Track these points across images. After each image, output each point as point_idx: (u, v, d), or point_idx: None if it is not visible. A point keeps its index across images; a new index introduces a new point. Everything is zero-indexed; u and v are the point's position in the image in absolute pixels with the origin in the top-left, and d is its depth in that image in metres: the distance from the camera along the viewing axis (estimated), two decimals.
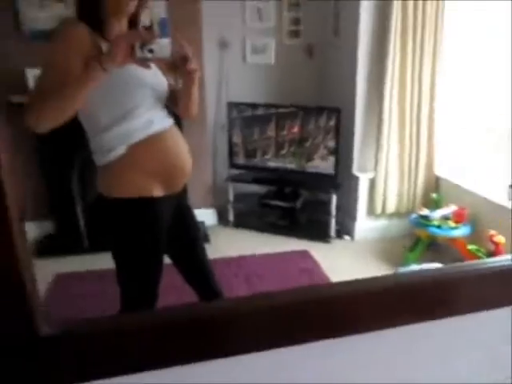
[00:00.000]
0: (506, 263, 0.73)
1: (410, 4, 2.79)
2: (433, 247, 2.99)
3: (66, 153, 2.91)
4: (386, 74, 2.90)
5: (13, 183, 0.48)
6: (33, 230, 3.27)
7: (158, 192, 1.44)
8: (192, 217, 1.72)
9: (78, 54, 1.22)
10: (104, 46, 1.29)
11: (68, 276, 2.79)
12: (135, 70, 1.34)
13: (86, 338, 0.57)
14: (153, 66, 1.47)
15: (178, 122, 2.94)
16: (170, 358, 0.58)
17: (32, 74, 2.84)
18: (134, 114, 1.36)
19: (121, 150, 1.37)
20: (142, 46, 1.22)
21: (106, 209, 1.46)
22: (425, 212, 2.84)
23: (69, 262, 2.95)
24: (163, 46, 1.25)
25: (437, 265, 1.93)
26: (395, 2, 2.77)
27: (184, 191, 1.63)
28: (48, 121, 1.18)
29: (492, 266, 0.74)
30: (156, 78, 1.46)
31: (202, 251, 1.76)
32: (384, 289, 0.68)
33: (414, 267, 1.93)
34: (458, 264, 0.85)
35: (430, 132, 3.06)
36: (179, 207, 1.61)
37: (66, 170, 2.99)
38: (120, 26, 1.36)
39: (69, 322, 0.58)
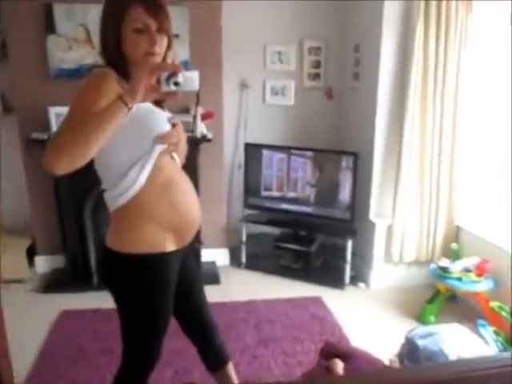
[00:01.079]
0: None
1: (432, 48, 2.76)
2: (453, 300, 2.85)
3: (80, 190, 2.93)
4: (406, 118, 2.85)
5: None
6: (44, 264, 3.29)
7: (169, 247, 1.39)
8: (195, 265, 1.67)
9: (105, 97, 1.21)
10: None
11: (73, 313, 2.76)
12: (152, 115, 1.34)
13: None
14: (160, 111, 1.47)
15: (195, 162, 3.02)
16: None
17: (54, 112, 2.92)
18: (146, 159, 1.33)
19: (139, 185, 1.32)
20: (168, 79, 1.20)
21: (112, 262, 1.40)
22: (444, 263, 2.71)
23: (76, 298, 2.92)
24: (191, 77, 1.22)
25: (456, 326, 1.81)
26: (416, 46, 2.74)
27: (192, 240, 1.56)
28: (68, 162, 1.15)
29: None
30: (166, 125, 1.42)
31: (204, 301, 1.70)
32: None
33: (429, 329, 1.81)
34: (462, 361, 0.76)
35: (451, 179, 2.96)
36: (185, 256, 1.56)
37: (79, 206, 3.01)
38: None
39: None
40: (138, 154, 1.32)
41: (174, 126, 1.39)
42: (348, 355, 1.73)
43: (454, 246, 2.87)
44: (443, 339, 1.66)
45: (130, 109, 1.18)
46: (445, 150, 2.90)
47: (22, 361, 2.31)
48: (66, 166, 1.15)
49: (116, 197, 1.34)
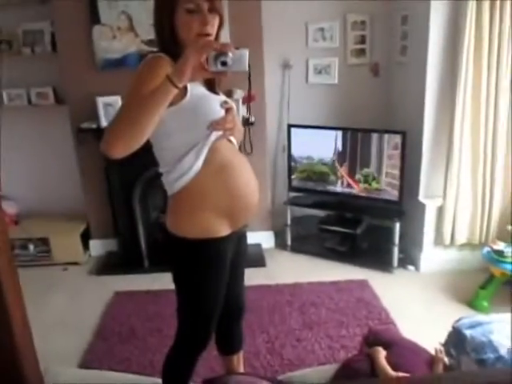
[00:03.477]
0: None
1: (486, 16, 2.55)
2: (509, 285, 2.69)
3: (129, 176, 3.03)
4: (458, 93, 2.68)
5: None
6: (97, 248, 3.46)
7: (225, 231, 1.41)
8: (246, 247, 1.68)
9: (159, 81, 1.20)
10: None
11: (126, 294, 2.89)
12: (205, 100, 1.34)
13: None
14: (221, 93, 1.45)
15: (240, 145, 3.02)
16: None
17: (102, 102, 3.01)
18: (202, 144, 1.34)
19: (196, 169, 1.33)
20: (216, 59, 1.17)
21: (172, 246, 1.45)
22: (499, 246, 2.57)
23: (129, 280, 3.06)
24: (240, 57, 1.18)
25: (508, 316, 1.72)
26: (469, 14, 2.55)
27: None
28: (123, 145, 1.17)
29: None
30: (220, 110, 1.40)
31: (243, 284, 1.72)
32: None
33: (481, 318, 1.73)
34: None
35: (508, 157, 2.78)
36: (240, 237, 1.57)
37: (129, 191, 3.11)
38: None
39: None
40: (193, 139, 1.33)
41: (227, 110, 1.38)
42: (391, 343, 1.69)
43: (510, 227, 2.70)
44: (493, 330, 1.58)
45: (178, 88, 1.17)
46: (501, 125, 2.71)
47: (79, 339, 2.46)
48: (121, 149, 1.17)
49: (173, 181, 1.36)
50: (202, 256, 1.41)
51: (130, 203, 3.14)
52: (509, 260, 2.49)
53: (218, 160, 1.36)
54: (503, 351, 1.49)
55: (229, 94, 3.09)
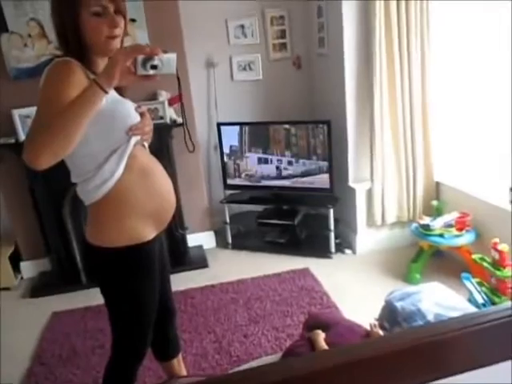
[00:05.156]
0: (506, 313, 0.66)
1: (393, 5, 2.69)
2: (437, 256, 2.87)
3: (56, 188, 2.89)
4: (375, 81, 2.81)
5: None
6: (29, 269, 3.27)
7: (150, 234, 1.38)
8: (165, 250, 1.66)
9: (75, 87, 1.17)
10: (92, 75, 1.26)
11: (64, 313, 2.76)
12: (121, 104, 1.32)
13: None
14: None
15: (168, 145, 2.98)
16: None
17: (18, 114, 2.85)
18: (123, 150, 1.31)
19: (117, 175, 1.30)
20: (145, 62, 1.15)
21: (96, 258, 1.39)
22: (425, 221, 2.72)
23: (66, 298, 2.93)
24: (168, 60, 1.17)
25: (434, 284, 1.83)
26: (377, 3, 2.68)
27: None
28: (50, 155, 1.12)
29: (492, 319, 0.66)
30: (136, 115, 1.39)
31: (169, 287, 1.69)
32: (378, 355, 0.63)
33: (413, 289, 1.82)
34: (455, 320, 0.76)
35: (426, 136, 2.94)
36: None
37: (57, 206, 2.97)
38: (106, 61, 1.31)
39: None
40: (112, 144, 1.30)
41: (142, 115, 1.37)
42: (329, 324, 1.74)
43: (434, 202, 2.88)
44: (421, 299, 1.67)
45: (107, 93, 1.15)
46: (416, 107, 2.87)
47: (16, 366, 2.32)
48: (47, 159, 1.13)
49: (94, 189, 1.31)
50: (132, 263, 1.37)
51: (60, 217, 2.99)
52: (435, 233, 2.64)
53: (136, 165, 1.34)
54: (430, 317, 1.58)
55: (153, 96, 3.05)
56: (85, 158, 1.31)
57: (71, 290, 3.00)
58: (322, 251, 3.18)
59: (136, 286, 1.40)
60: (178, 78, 1.32)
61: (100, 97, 1.14)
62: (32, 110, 2.95)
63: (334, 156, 3.08)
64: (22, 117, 2.87)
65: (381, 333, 1.66)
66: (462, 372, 0.66)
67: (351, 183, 3.11)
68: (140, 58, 1.15)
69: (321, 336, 1.62)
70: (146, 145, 1.45)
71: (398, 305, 1.69)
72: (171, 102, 3.05)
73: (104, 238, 1.34)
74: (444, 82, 2.90)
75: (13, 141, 2.88)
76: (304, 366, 0.66)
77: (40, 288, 3.08)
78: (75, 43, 1.26)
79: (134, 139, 1.33)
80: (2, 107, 2.88)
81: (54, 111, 1.13)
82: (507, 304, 0.69)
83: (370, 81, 2.87)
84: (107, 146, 1.30)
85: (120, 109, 1.31)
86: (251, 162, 3.33)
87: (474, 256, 2.46)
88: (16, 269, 3.21)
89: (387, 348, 0.68)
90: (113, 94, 1.29)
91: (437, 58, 2.85)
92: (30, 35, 2.93)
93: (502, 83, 2.60)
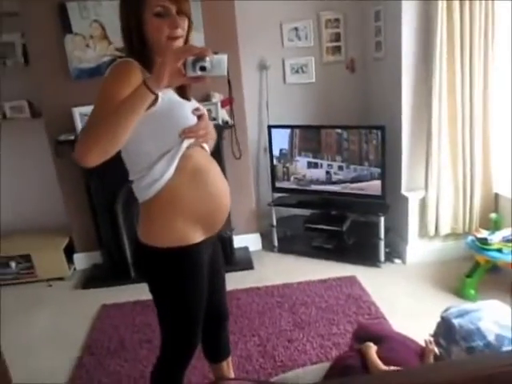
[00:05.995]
0: None
1: (456, 8, 2.59)
2: (494, 272, 2.73)
3: (111, 186, 2.98)
4: (434, 86, 2.71)
5: None
6: (82, 261, 3.40)
7: (199, 237, 1.38)
8: (220, 252, 1.66)
9: (130, 87, 1.18)
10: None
11: (113, 306, 2.85)
12: (178, 105, 1.32)
13: None
14: (193, 99, 1.44)
15: (219, 149, 3.00)
16: None
17: (78, 112, 2.97)
18: (175, 151, 1.32)
19: (168, 177, 1.31)
20: (194, 63, 1.13)
21: (145, 256, 1.42)
22: (483, 234, 2.60)
23: (115, 292, 3.01)
24: (219, 61, 1.15)
25: (494, 302, 1.73)
26: (440, 7, 2.58)
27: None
28: (98, 153, 1.14)
29: None
30: (192, 116, 1.38)
31: (224, 290, 1.69)
32: None
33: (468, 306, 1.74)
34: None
35: (486, 146, 2.81)
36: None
37: (111, 202, 3.07)
38: None
39: None
40: (165, 145, 1.30)
41: (200, 117, 1.36)
42: (381, 337, 1.69)
43: (492, 215, 2.74)
44: (481, 317, 1.59)
45: (155, 94, 1.15)
46: (477, 116, 2.75)
47: (67, 354, 2.41)
48: (96, 157, 1.14)
49: (144, 188, 1.33)
50: (178, 265, 1.38)
51: (112, 213, 3.09)
52: (492, 247, 2.51)
53: (190, 166, 1.34)
54: (491, 337, 1.50)
55: (207, 97, 3.08)
56: (138, 157, 1.33)
57: (121, 283, 3.08)
58: (371, 260, 3.11)
59: (181, 287, 1.41)
60: (229, 81, 1.31)
61: (148, 97, 1.14)
62: (91, 109, 3.11)
63: (386, 163, 3.00)
64: (82, 115, 2.98)
65: (436, 350, 1.59)
66: None
67: (404, 191, 3.02)
68: (190, 59, 1.13)
69: (373, 349, 1.58)
70: (207, 147, 1.45)
71: (456, 322, 1.61)
72: (223, 104, 3.08)
73: (151, 236, 1.36)
74: (507, 89, 2.75)
75: (72, 137, 3.00)
76: None
77: (91, 280, 3.20)
78: (138, 44, 1.28)
79: (186, 141, 1.33)
80: (63, 105, 3.01)
81: (108, 110, 1.15)
82: None
83: (428, 86, 2.77)
84: (160, 147, 1.30)
85: (176, 110, 1.31)
86: (301, 166, 3.30)
87: None
88: (70, 260, 3.35)
89: (459, 374, 0.64)
90: (171, 95, 1.30)
91: (501, 63, 2.71)
92: (91, 36, 3.04)
93: None
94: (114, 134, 1.14)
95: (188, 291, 1.42)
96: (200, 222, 1.37)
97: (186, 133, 1.31)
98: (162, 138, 1.30)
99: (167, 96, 1.27)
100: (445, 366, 0.71)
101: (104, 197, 3.08)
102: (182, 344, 1.51)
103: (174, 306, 1.44)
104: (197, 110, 1.38)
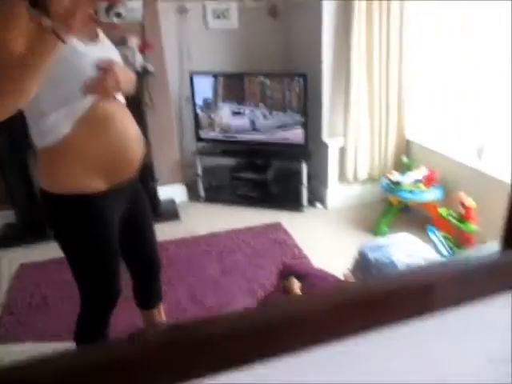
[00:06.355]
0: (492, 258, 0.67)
1: None
2: (406, 211, 2.96)
3: (19, 139, 2.74)
4: (353, 34, 2.76)
5: None
6: None
7: (100, 185, 1.33)
8: (143, 202, 1.61)
9: (16, 30, 1.07)
10: (47, 22, 1.11)
11: (31, 265, 2.71)
12: (79, 57, 1.21)
13: None
14: (104, 38, 1.32)
15: (139, 97, 2.86)
16: None
17: None
18: (75, 107, 1.23)
19: (65, 130, 1.23)
20: (108, 10, 1.09)
21: (46, 203, 1.35)
22: (395, 177, 2.78)
23: (33, 250, 2.85)
24: (133, 8, 1.12)
25: (404, 235, 1.89)
26: None
27: (137, 175, 1.48)
28: (6, 110, 1.07)
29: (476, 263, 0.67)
30: (104, 52, 1.30)
31: (153, 238, 1.67)
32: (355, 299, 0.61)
33: (382, 241, 1.88)
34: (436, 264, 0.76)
35: (400, 94, 2.96)
36: (133, 193, 1.50)
37: (22, 155, 2.83)
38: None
39: None
40: (61, 98, 1.21)
41: (104, 70, 1.24)
42: (304, 275, 1.78)
43: (404, 158, 2.93)
44: (393, 251, 1.72)
45: (65, 43, 1.06)
46: (392, 65, 2.86)
47: None
48: (5, 111, 1.07)
49: (39, 135, 1.26)
50: (78, 213, 1.33)
51: (23, 167, 2.87)
52: (404, 188, 2.71)
53: (93, 116, 1.27)
54: (403, 267, 1.64)
55: (122, 41, 2.88)
56: (32, 103, 1.20)
57: (37, 241, 2.91)
58: (294, 205, 3.22)
59: (84, 237, 1.36)
60: (144, 27, 1.24)
61: (58, 46, 1.06)
62: None
63: (309, 110, 3.06)
64: None
65: None
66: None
67: (325, 138, 3.11)
68: (103, 4, 1.10)
69: (296, 284, 1.66)
70: (120, 95, 1.36)
71: (371, 256, 1.73)
72: (142, 48, 2.90)
73: (52, 183, 1.30)
74: (420, 41, 2.88)
75: None
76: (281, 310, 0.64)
77: (5, 240, 2.99)
78: None
79: (89, 99, 1.24)
80: None
81: (7, 62, 1.05)
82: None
83: (348, 35, 2.81)
84: (56, 97, 1.21)
85: (76, 62, 1.21)
86: (225, 115, 3.26)
87: (441, 210, 2.55)
88: None
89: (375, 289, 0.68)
90: (73, 43, 1.18)
91: (416, 14, 2.81)
92: None
93: (473, 43, 2.61)
94: (22, 90, 1.06)
95: (92, 241, 1.37)
96: (101, 170, 1.32)
97: (88, 88, 1.22)
98: (59, 89, 1.20)
99: (69, 44, 1.15)
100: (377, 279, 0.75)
101: (13, 150, 2.83)
102: (97, 296, 1.48)
103: (81, 257, 1.40)
104: (103, 62, 1.26)
